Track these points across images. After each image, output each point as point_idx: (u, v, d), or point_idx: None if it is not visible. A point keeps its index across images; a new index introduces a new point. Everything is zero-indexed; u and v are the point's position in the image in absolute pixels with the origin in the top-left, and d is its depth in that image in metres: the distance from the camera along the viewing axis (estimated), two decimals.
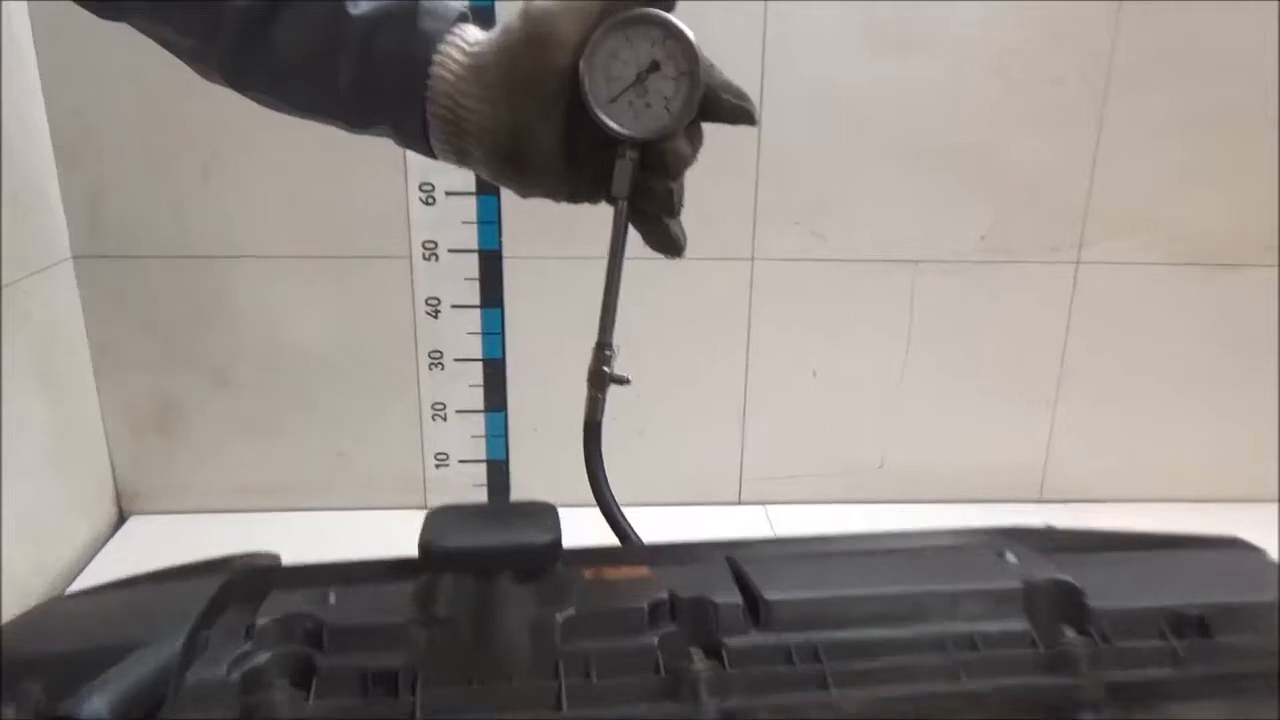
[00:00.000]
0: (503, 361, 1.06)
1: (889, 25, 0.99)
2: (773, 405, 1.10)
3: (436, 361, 1.06)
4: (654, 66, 0.48)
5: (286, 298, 1.04)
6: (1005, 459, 1.13)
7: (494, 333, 1.05)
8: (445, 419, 1.08)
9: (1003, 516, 1.12)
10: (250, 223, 1.01)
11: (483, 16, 0.52)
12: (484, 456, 1.10)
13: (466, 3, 0.52)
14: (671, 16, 0.48)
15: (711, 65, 0.49)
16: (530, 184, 0.50)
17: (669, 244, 0.51)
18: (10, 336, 0.90)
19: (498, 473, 1.10)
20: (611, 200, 0.50)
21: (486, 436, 1.09)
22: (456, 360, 1.06)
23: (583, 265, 1.00)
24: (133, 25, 0.51)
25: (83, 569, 1.00)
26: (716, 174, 0.94)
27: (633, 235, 0.51)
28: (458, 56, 0.49)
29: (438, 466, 1.10)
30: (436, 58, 0.49)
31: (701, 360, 1.08)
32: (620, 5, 0.48)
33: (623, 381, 0.51)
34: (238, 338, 1.05)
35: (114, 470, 1.08)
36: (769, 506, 1.13)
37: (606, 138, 0.48)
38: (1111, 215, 1.05)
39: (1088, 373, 1.11)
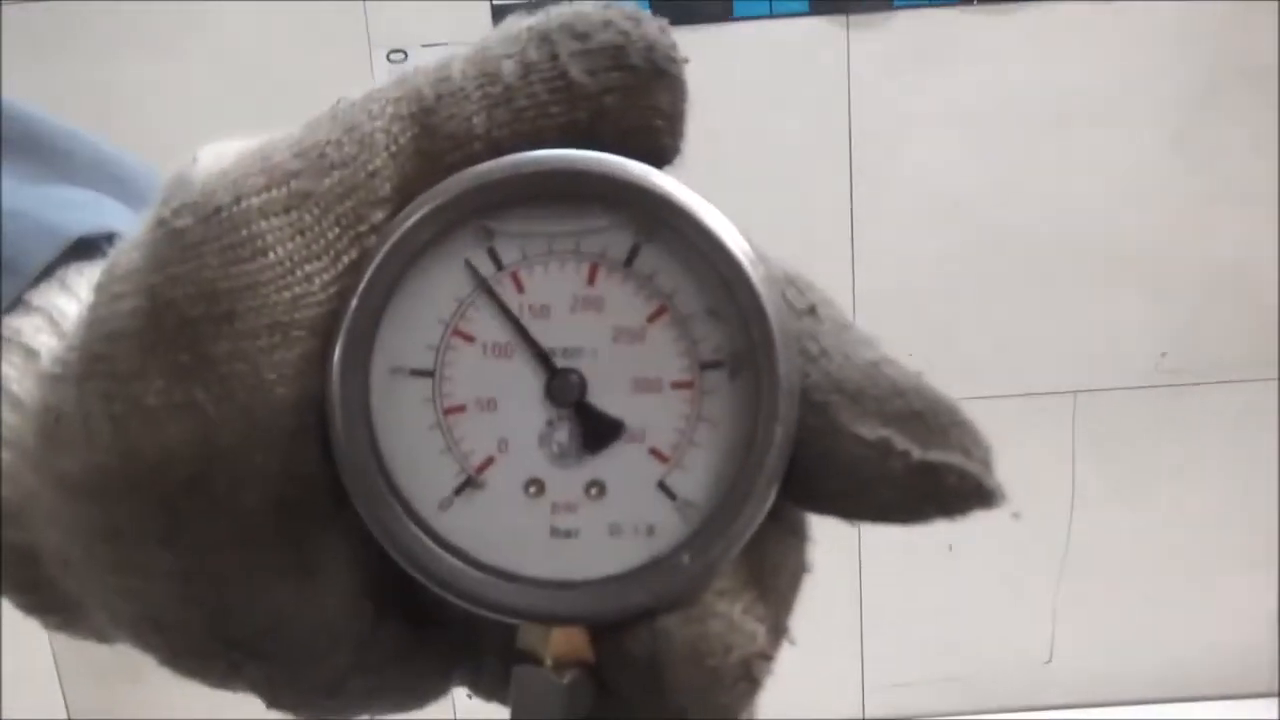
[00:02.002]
0: None
1: (1024, 99, 0.79)
2: (898, 593, 0.88)
3: None
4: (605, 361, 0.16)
5: None
6: (1221, 641, 0.89)
7: None
8: None
9: (1222, 712, 0.86)
10: None
11: None
12: None
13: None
14: (659, 179, 0.16)
15: (816, 316, 0.16)
16: (283, 702, 0.20)
17: None
18: None
19: None
20: None
21: None
22: None
23: None
24: None
25: None
26: None
27: None
28: (12, 386, 0.19)
29: (470, 696, 0.88)
30: None
31: None
32: (452, 136, 0.16)
33: None
34: None
35: None
36: None
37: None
38: None
39: None
